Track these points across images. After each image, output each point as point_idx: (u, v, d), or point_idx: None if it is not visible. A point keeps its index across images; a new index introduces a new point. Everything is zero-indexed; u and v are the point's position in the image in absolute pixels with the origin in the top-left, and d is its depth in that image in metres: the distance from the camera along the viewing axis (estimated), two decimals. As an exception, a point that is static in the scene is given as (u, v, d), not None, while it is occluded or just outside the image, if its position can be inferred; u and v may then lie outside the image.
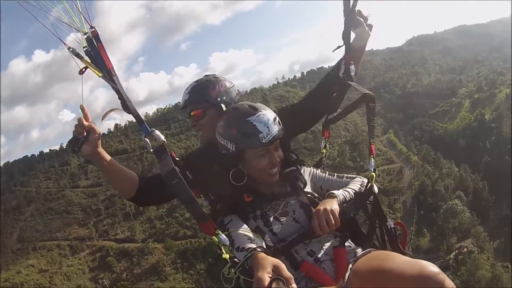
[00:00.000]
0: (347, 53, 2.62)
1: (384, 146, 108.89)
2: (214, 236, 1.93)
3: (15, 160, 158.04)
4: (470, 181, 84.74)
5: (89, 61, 2.07)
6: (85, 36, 2.05)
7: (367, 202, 2.35)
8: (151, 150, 2.08)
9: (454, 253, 68.74)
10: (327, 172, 2.54)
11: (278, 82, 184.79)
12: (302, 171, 2.46)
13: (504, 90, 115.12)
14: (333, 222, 2.04)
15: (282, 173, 2.35)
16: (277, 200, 2.28)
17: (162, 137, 2.09)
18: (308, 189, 2.38)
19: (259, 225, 2.18)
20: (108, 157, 2.19)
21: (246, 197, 2.22)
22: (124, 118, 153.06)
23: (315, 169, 2.55)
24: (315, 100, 2.73)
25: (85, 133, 2.04)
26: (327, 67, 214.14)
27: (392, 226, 2.33)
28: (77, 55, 2.04)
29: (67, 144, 2.18)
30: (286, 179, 2.37)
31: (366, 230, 2.41)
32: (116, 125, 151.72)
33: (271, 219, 2.20)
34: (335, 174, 2.52)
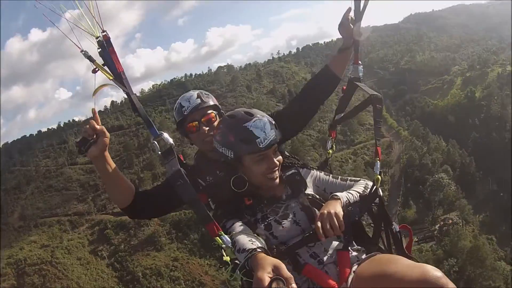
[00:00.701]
0: (355, 53, 2.66)
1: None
2: (217, 238, 1.97)
3: (14, 140, 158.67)
4: (458, 156, 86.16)
5: (101, 64, 2.11)
6: (97, 40, 2.08)
7: (373, 204, 2.34)
8: (159, 152, 2.12)
9: (439, 224, 70.08)
10: (331, 175, 2.53)
11: (273, 57, 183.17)
12: (303, 174, 2.47)
13: (496, 69, 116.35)
14: (337, 225, 2.02)
15: (282, 176, 2.35)
16: (277, 203, 2.29)
17: (171, 140, 2.13)
18: (309, 191, 2.38)
19: (259, 228, 2.18)
20: (112, 163, 2.20)
21: (247, 201, 2.25)
22: (120, 95, 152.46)
23: (318, 172, 2.54)
24: (301, 105, 2.72)
25: (94, 136, 2.08)
26: (322, 42, 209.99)
27: (398, 229, 2.31)
28: (90, 58, 2.07)
29: (75, 144, 2.17)
30: (286, 182, 2.37)
31: (371, 233, 2.41)
32: (112, 102, 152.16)
33: (272, 222, 2.21)
34: (339, 177, 2.51)
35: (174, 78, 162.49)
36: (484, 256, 53.14)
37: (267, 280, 1.48)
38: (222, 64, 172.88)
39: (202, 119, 2.69)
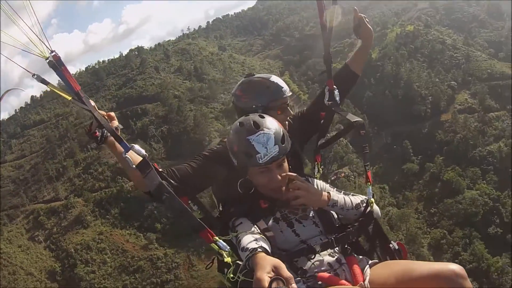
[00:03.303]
0: (329, 78, 2.65)
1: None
2: (213, 244, 2.00)
3: None
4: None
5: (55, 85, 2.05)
6: (47, 61, 1.97)
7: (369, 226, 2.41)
8: (134, 166, 2.05)
9: (330, 178, 72.69)
10: (335, 188, 2.55)
11: (183, 34, 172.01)
12: (311, 182, 2.50)
13: (395, 29, 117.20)
14: (301, 199, 2.19)
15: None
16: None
17: (143, 151, 2.08)
18: None
19: (281, 225, 2.22)
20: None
21: (263, 204, 2.25)
22: (39, 89, 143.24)
23: (323, 183, 2.57)
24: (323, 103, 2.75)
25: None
26: (233, 13, 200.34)
27: (397, 247, 2.39)
28: (43, 81, 2.01)
29: (89, 136, 2.14)
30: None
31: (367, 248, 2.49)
32: (32, 96, 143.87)
33: (293, 220, 2.26)
34: (342, 191, 2.53)
35: (89, 66, 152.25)
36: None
37: (267, 280, 1.45)
38: (139, 42, 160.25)
39: (284, 104, 2.69)
